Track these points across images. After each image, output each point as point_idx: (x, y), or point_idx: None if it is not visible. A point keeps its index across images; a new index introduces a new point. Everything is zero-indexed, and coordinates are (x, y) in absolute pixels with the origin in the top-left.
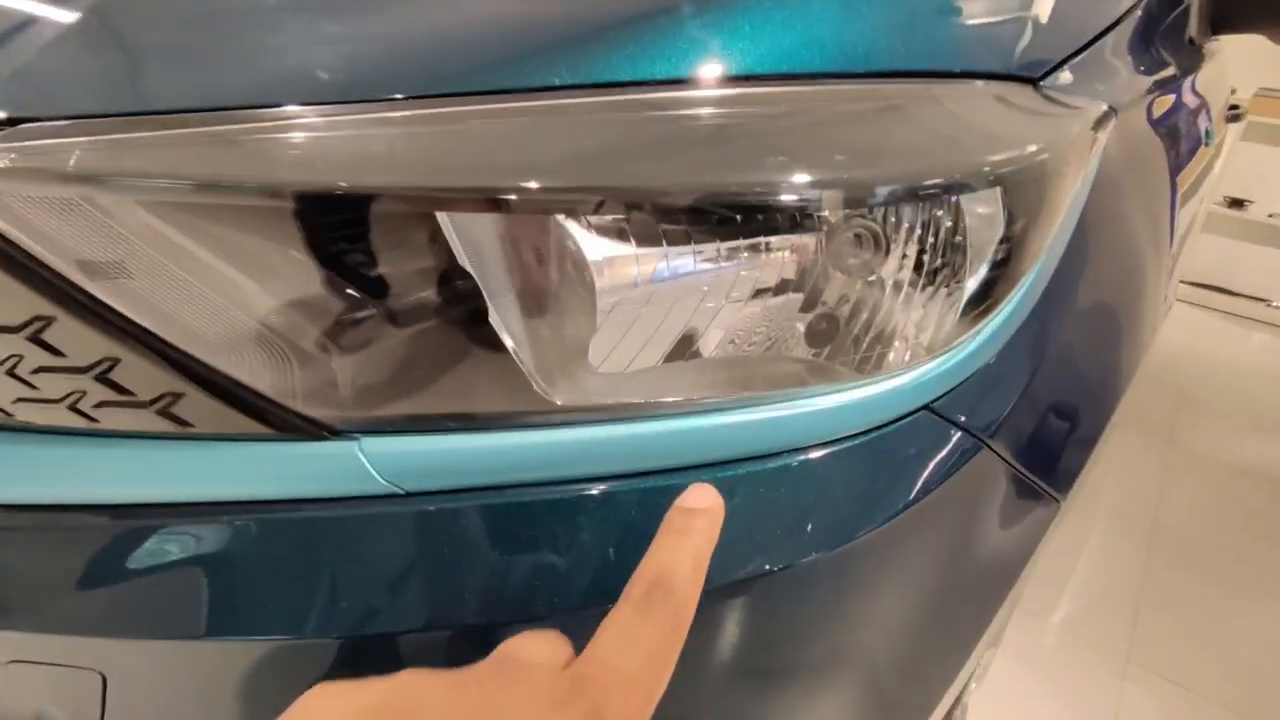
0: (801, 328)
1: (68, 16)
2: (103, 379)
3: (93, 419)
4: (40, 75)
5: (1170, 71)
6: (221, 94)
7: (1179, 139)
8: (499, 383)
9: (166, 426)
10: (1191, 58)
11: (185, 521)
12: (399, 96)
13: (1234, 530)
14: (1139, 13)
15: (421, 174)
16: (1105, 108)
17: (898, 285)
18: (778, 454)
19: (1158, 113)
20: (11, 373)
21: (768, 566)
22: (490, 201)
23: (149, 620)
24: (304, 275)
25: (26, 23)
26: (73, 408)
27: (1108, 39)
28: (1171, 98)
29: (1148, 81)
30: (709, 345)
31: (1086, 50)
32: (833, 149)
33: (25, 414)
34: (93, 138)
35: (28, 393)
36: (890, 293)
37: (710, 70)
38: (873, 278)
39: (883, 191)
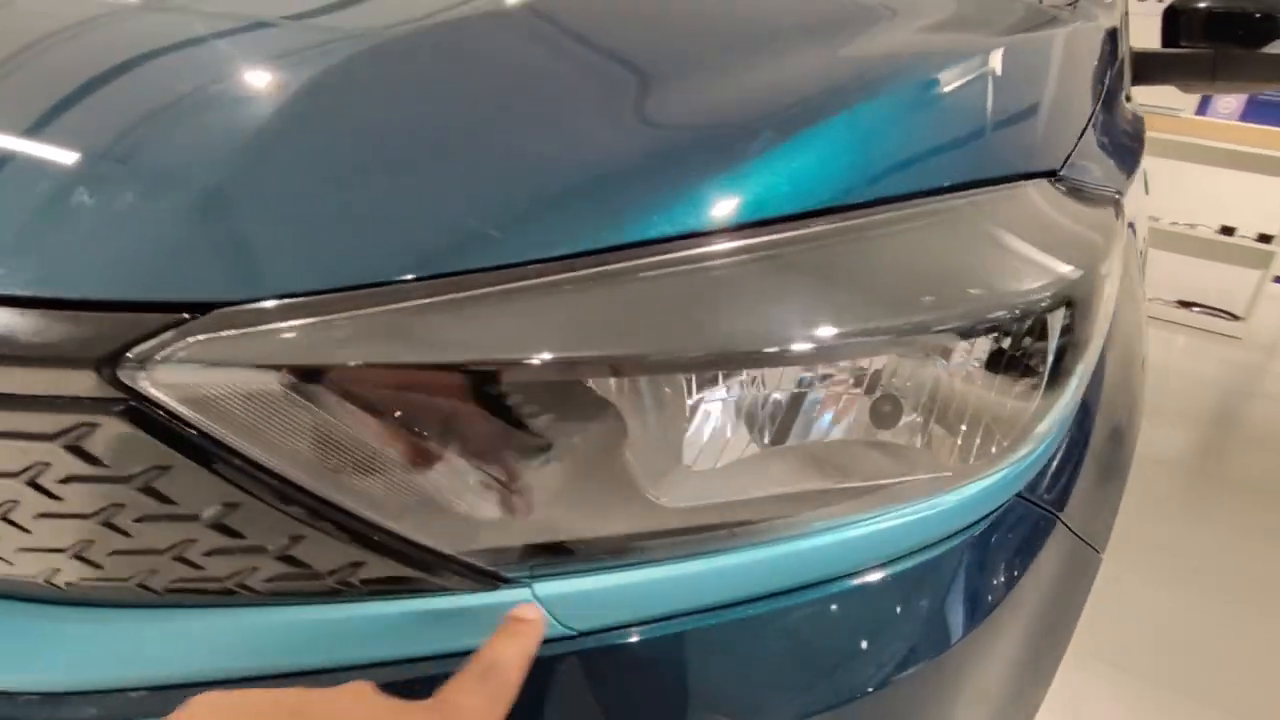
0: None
1: (242, 193)
2: (283, 558)
3: (257, 591)
4: (228, 255)
5: (1131, 140)
6: (401, 266)
7: (1140, 197)
8: (625, 502)
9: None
10: (1134, 121)
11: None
12: (569, 254)
13: (1147, 518)
14: (1105, 90)
15: (608, 345)
16: (1116, 193)
17: (988, 382)
18: (903, 557)
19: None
20: (180, 558)
21: (898, 673)
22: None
23: None
24: (495, 437)
25: (210, 204)
26: (240, 585)
27: (1094, 120)
28: (1139, 165)
29: (1121, 155)
30: (796, 436)
31: (1082, 136)
32: (922, 287)
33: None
34: (297, 322)
35: (190, 573)
36: (981, 388)
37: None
38: (963, 376)
39: (978, 325)
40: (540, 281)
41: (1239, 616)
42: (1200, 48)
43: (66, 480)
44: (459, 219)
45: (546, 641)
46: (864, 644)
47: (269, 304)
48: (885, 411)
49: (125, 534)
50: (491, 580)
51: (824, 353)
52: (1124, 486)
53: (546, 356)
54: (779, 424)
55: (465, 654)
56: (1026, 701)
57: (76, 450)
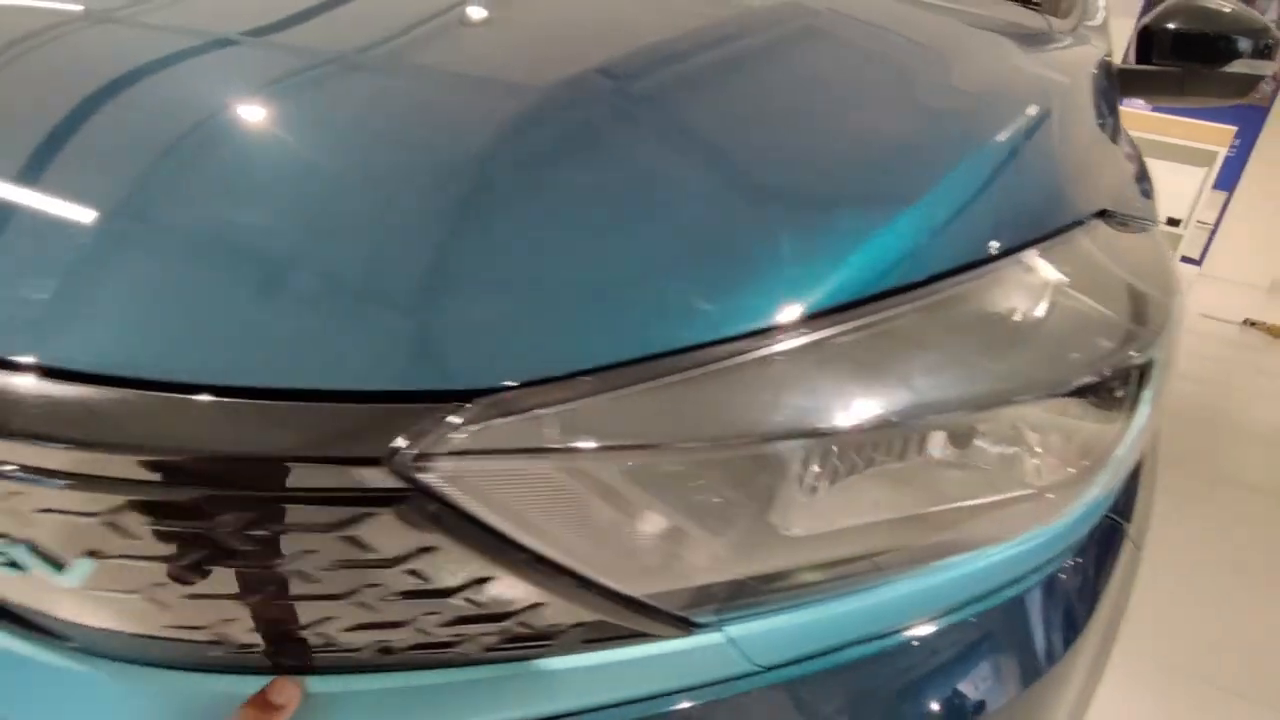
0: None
1: (506, 279)
2: (522, 623)
3: (497, 650)
4: (479, 342)
5: (1137, 160)
6: (652, 340)
7: None
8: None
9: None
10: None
11: None
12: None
13: None
14: (1117, 116)
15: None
16: (1153, 221)
17: (1080, 411)
18: (1021, 578)
19: None
20: (419, 628)
21: (1022, 689)
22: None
23: None
24: (738, 510)
25: (474, 292)
26: (490, 648)
27: (1120, 148)
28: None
29: (1141, 178)
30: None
31: (1116, 167)
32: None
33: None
34: (562, 405)
35: (422, 639)
36: (1072, 418)
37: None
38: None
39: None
40: (762, 354)
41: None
42: (1170, 65)
43: (329, 568)
44: (689, 297)
45: (739, 679)
46: (994, 663)
47: (535, 389)
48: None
49: (370, 609)
50: (688, 626)
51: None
52: (1153, 487)
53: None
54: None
55: (663, 696)
56: (1087, 698)
57: (349, 539)
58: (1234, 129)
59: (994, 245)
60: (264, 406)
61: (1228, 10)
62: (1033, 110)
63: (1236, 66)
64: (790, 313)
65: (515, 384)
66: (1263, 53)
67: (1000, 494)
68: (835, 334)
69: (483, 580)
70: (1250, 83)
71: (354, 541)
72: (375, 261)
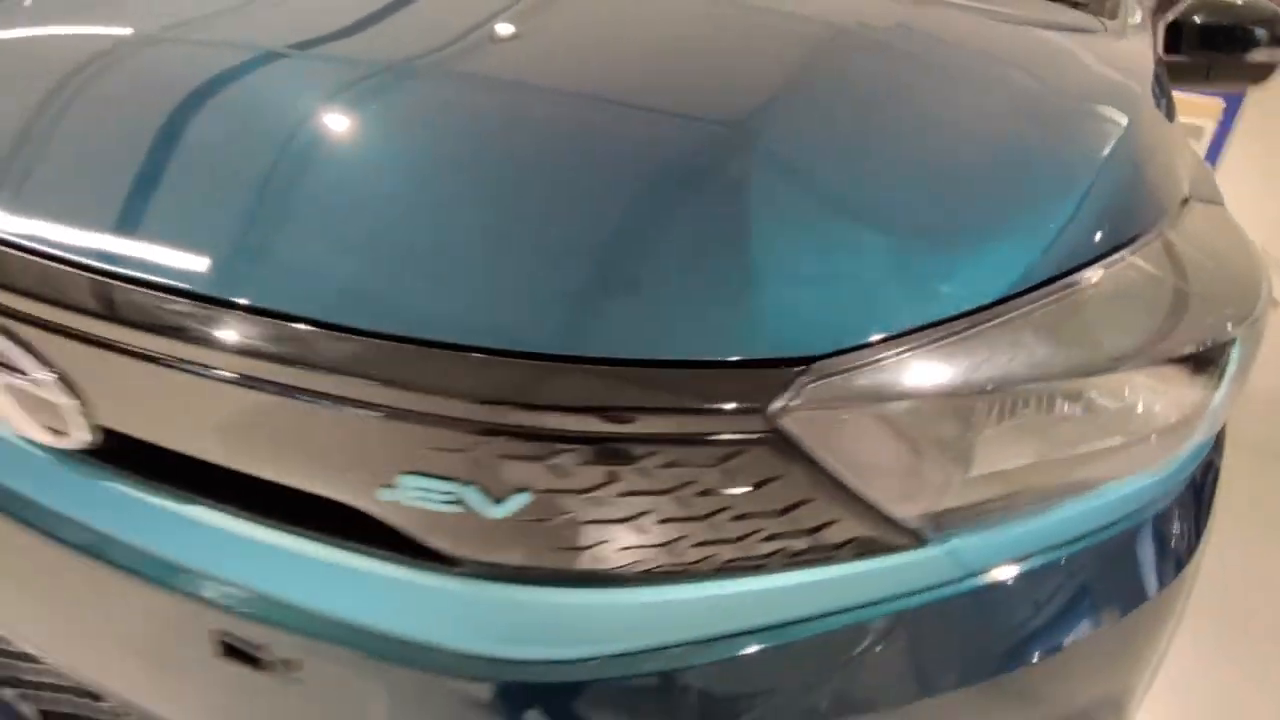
0: None
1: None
2: (818, 539)
3: (793, 561)
4: (812, 319)
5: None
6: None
7: None
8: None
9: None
10: None
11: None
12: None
13: None
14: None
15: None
16: (1219, 198)
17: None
18: (1143, 507)
19: None
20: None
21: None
22: None
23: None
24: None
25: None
26: (789, 560)
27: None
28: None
29: (1196, 163)
30: None
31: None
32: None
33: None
34: (872, 366)
35: (738, 555)
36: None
37: None
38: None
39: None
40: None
41: None
42: (1197, 56)
43: (702, 493)
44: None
45: (952, 582)
46: (1126, 578)
47: (852, 354)
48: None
49: (715, 528)
50: (923, 541)
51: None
52: None
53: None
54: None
55: (902, 596)
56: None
57: (724, 473)
58: (1222, 103)
59: (1120, 236)
60: (677, 374)
61: (1243, 3)
62: (1132, 112)
63: (1255, 54)
64: (1024, 282)
65: (841, 350)
66: (1277, 40)
67: (1124, 439)
68: (1040, 306)
69: (801, 503)
70: (1268, 68)
71: (726, 473)
72: (750, 260)
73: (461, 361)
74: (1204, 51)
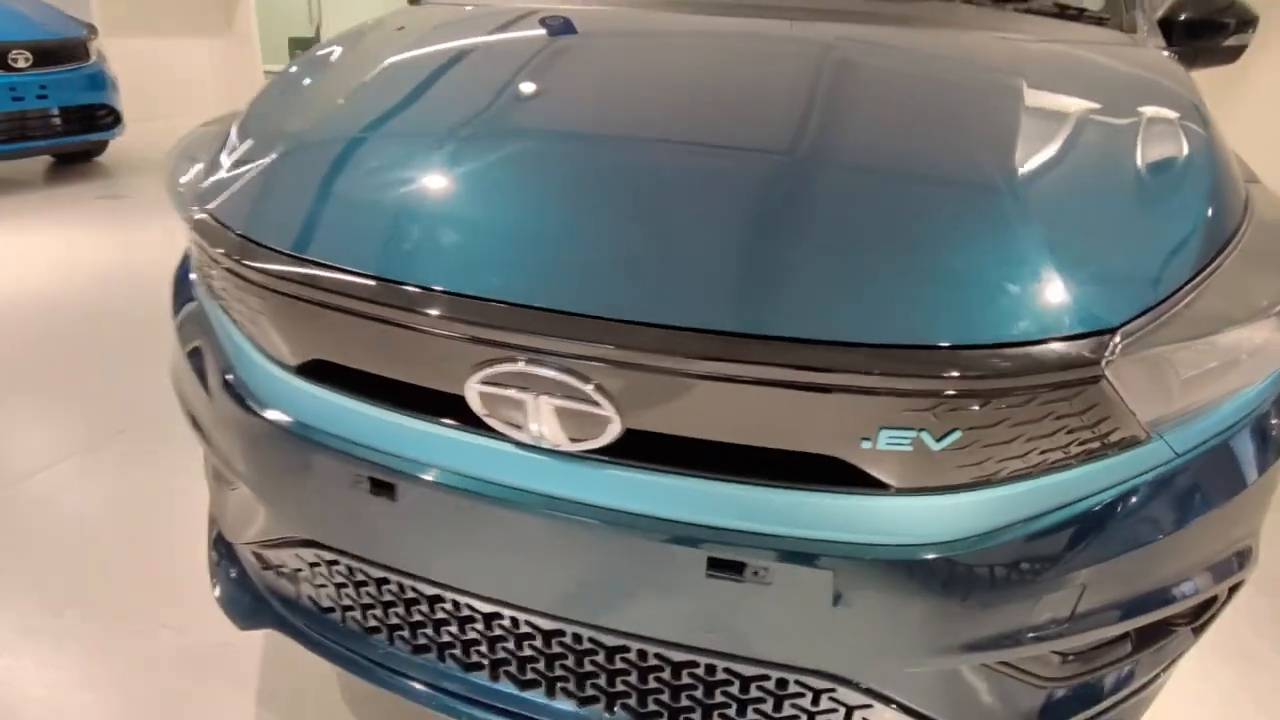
0: None
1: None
2: (1103, 441)
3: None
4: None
5: None
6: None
7: None
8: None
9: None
10: None
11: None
12: None
13: None
14: None
15: None
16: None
17: None
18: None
19: None
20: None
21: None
22: None
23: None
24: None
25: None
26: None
27: None
28: None
29: None
30: None
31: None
32: None
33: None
34: (1143, 330)
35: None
36: None
37: None
38: None
39: None
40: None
41: None
42: (1185, 46)
43: (1056, 418)
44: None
45: (1171, 460)
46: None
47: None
48: None
49: (1054, 440)
50: (1149, 436)
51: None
52: None
53: None
54: None
55: (1140, 474)
56: None
57: (1070, 404)
58: None
59: (1236, 218)
60: (1044, 348)
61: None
62: (1205, 119)
63: (1229, 39)
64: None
65: (1129, 319)
66: (1244, 26)
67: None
68: (1215, 275)
69: (1104, 419)
70: (1239, 49)
71: (1071, 404)
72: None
73: (923, 355)
74: (1190, 41)
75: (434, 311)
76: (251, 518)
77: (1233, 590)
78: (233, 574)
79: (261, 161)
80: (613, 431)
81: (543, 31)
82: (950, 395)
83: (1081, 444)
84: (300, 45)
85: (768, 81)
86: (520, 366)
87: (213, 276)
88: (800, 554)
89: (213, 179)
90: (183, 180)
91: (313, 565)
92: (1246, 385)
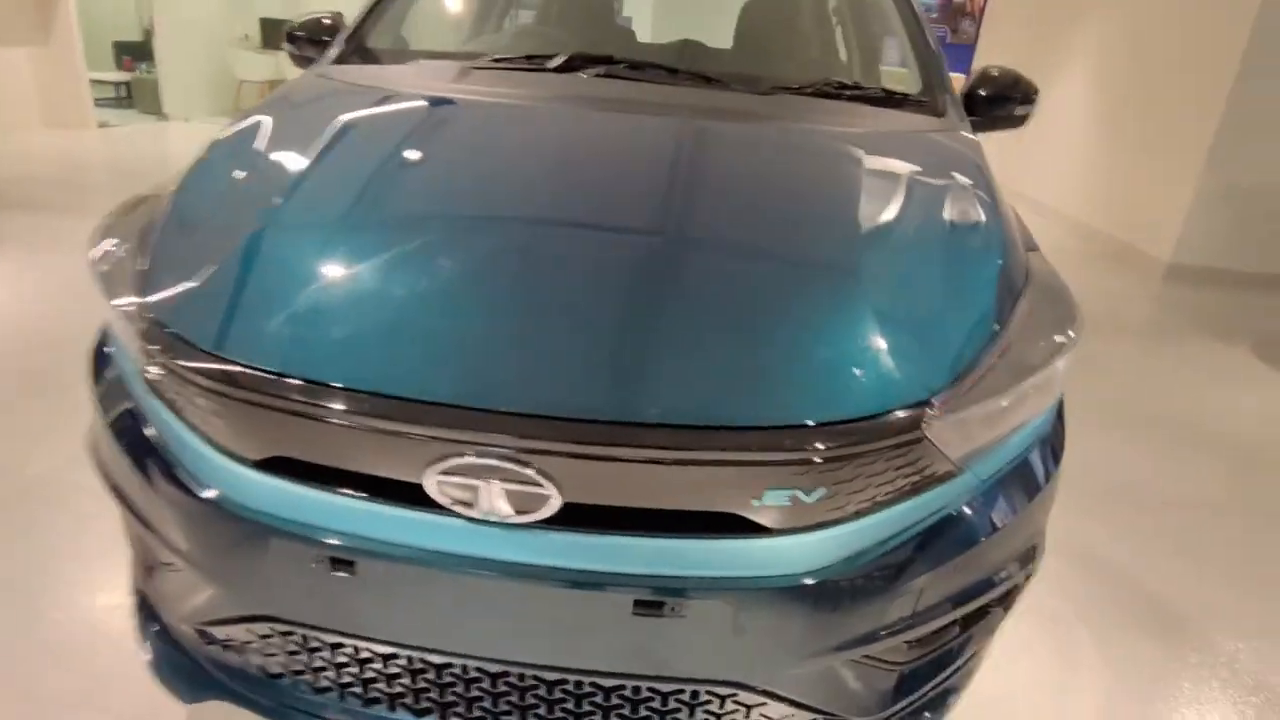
0: None
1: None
2: (925, 479)
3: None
4: (917, 377)
5: None
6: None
7: None
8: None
9: None
10: None
11: None
12: None
13: None
14: None
15: None
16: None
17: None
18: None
19: None
20: (897, 487)
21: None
22: None
23: (954, 548)
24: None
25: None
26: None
27: None
28: None
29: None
30: None
31: None
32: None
33: None
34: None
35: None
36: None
37: None
38: None
39: None
40: None
41: None
42: (984, 115)
43: (892, 469)
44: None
45: (979, 486)
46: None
47: (954, 387)
48: None
49: (887, 484)
50: (960, 470)
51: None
52: None
53: None
54: None
55: (952, 504)
56: None
57: (899, 459)
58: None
59: (1018, 287)
60: (879, 421)
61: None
62: (998, 198)
63: (1017, 109)
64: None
65: (940, 388)
66: (1028, 99)
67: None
68: (1002, 346)
69: (927, 464)
70: (1026, 116)
71: (900, 459)
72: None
73: (796, 434)
74: (988, 111)
75: (390, 416)
76: (196, 597)
77: (1029, 576)
78: (170, 649)
79: (206, 263)
80: (553, 505)
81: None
82: (818, 464)
83: (912, 483)
84: (128, 51)
85: (638, 173)
86: (470, 460)
87: (152, 373)
88: (708, 590)
89: (150, 272)
90: (106, 265)
91: (264, 637)
92: (1032, 418)
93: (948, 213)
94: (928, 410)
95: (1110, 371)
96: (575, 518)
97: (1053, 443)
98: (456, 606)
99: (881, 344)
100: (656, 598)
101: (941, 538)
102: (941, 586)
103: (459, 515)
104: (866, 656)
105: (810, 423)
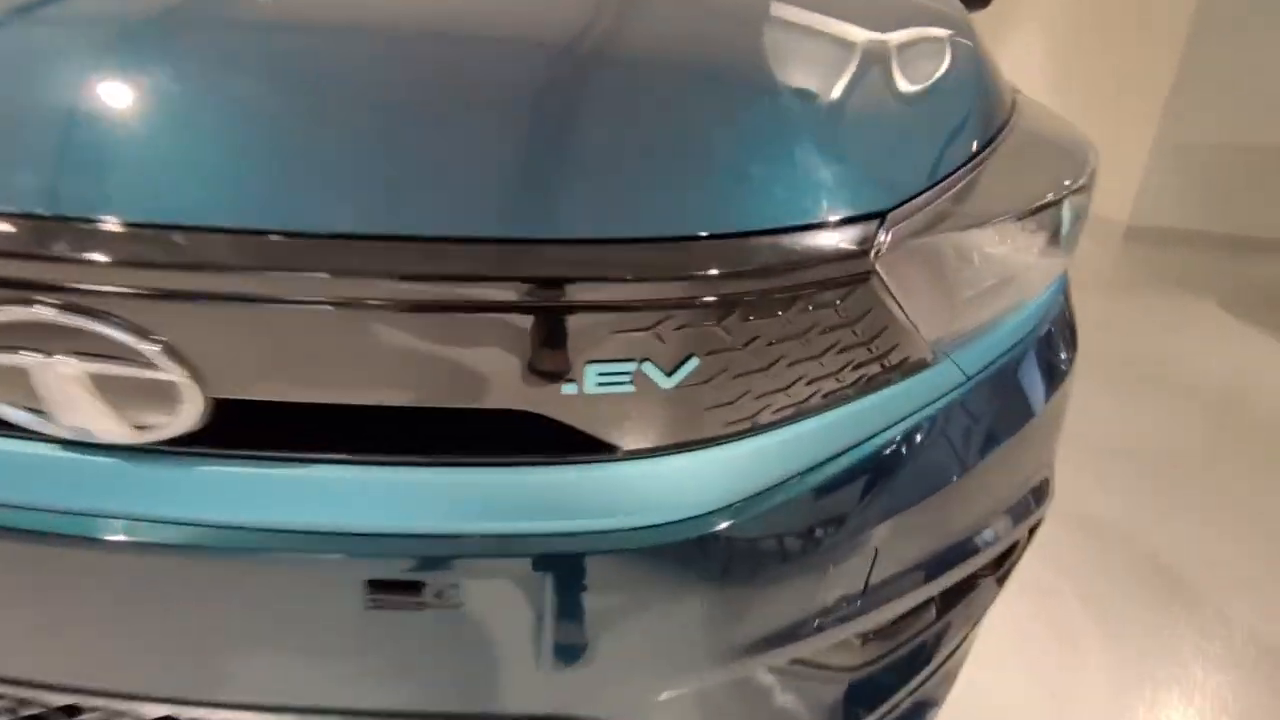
0: None
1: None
2: (884, 363)
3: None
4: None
5: None
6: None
7: None
8: None
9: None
10: None
11: None
12: None
13: None
14: None
15: None
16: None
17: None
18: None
19: None
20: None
21: None
22: None
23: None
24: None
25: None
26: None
27: None
28: None
29: None
30: None
31: None
32: None
33: None
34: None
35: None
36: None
37: None
38: None
39: None
40: None
41: None
42: None
43: (821, 331)
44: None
45: (958, 387)
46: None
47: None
48: None
49: (822, 364)
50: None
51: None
52: None
53: None
54: None
55: (930, 403)
56: None
57: (837, 310)
58: None
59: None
60: (801, 235)
61: None
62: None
63: None
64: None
65: (904, 200)
66: None
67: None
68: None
69: (881, 331)
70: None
71: (837, 310)
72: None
73: (626, 251)
74: None
75: None
76: None
77: (1032, 531)
78: None
79: None
80: (194, 405)
81: None
82: (676, 303)
83: (858, 367)
84: None
85: None
86: (34, 312)
87: None
88: (498, 557)
89: None
90: None
91: None
92: (1026, 298)
93: (903, 21)
94: (878, 227)
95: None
96: (237, 432)
97: (1063, 332)
98: (67, 603)
99: (795, 137)
100: (407, 574)
101: (907, 466)
102: (908, 546)
103: (27, 434)
104: (794, 661)
105: (657, 235)
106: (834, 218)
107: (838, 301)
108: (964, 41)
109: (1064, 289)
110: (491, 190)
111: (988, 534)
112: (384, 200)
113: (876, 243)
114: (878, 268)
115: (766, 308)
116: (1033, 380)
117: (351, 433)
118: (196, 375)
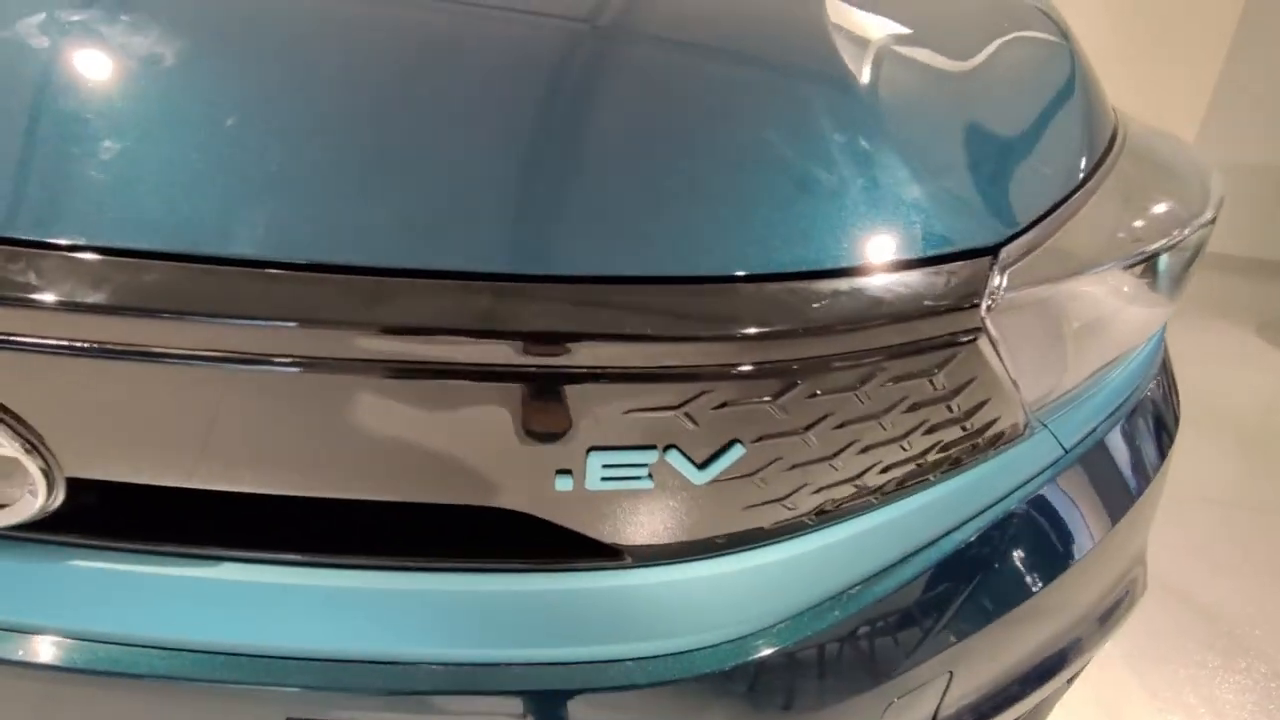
0: None
1: None
2: (984, 434)
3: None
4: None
5: None
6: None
7: None
8: None
9: None
10: None
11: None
12: None
13: None
14: None
15: None
16: None
17: None
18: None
19: None
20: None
21: None
22: None
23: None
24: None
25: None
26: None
27: None
28: None
29: None
30: None
31: None
32: None
33: None
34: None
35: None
36: None
37: None
38: None
39: None
40: None
41: None
42: None
43: (914, 407)
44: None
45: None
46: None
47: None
48: None
49: (912, 445)
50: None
51: None
52: None
53: None
54: None
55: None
56: None
57: (933, 379)
58: None
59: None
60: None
61: None
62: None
63: None
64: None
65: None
66: None
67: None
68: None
69: (982, 404)
70: None
71: (933, 380)
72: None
73: (658, 293)
74: None
75: None
76: None
77: (1113, 627)
78: None
79: None
80: (32, 495)
81: None
82: (714, 372)
83: (947, 447)
84: None
85: None
86: None
87: None
88: (465, 694)
89: None
90: None
91: None
92: (1129, 352)
93: (999, 35)
94: (992, 269)
95: None
96: (98, 519)
97: (1166, 392)
98: None
99: (893, 141)
100: (335, 715)
101: (991, 569)
102: (987, 665)
103: None
104: None
105: (691, 273)
106: (932, 253)
107: (935, 368)
108: (1065, 44)
109: (1163, 341)
110: (457, 209)
111: (1076, 645)
112: (304, 215)
113: (989, 289)
114: (987, 322)
115: (840, 379)
116: (1137, 453)
117: (268, 523)
118: (42, 449)
